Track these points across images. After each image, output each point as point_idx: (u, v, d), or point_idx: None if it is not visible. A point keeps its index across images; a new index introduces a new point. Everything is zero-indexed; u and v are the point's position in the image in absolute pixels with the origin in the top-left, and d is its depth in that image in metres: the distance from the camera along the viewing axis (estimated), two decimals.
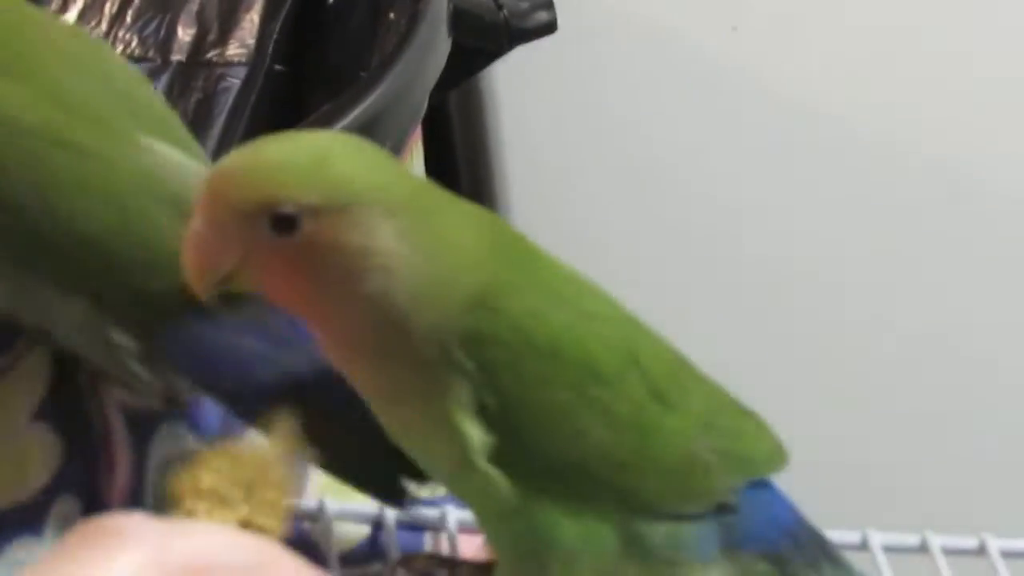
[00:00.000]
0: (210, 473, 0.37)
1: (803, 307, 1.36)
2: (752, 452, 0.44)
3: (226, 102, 1.08)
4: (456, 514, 0.51)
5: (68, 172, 0.44)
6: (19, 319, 0.47)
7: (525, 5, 1.07)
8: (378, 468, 0.46)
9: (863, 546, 0.51)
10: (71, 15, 1.12)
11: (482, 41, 1.07)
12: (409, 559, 0.49)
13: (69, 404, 0.49)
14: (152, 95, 0.49)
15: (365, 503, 0.51)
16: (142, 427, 0.50)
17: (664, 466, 0.41)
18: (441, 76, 0.97)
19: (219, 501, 0.36)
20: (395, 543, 0.50)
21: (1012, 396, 1.35)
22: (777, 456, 0.45)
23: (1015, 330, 1.34)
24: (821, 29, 1.30)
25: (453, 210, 0.40)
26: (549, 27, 1.08)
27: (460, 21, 1.01)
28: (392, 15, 1.00)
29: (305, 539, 0.51)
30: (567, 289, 0.41)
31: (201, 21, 1.12)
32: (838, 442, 1.30)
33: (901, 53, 1.29)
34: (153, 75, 1.10)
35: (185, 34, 1.12)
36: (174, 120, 0.49)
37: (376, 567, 0.52)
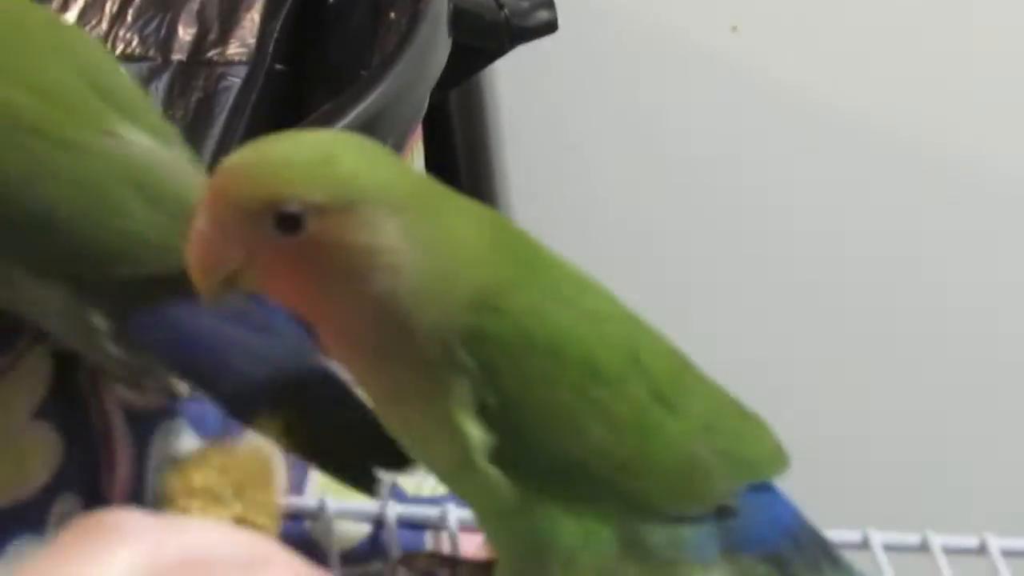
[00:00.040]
0: (202, 472, 0.37)
1: (804, 306, 1.36)
2: (753, 455, 0.44)
3: (227, 101, 1.08)
4: (457, 513, 0.51)
5: (41, 158, 0.44)
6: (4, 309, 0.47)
7: (526, 4, 1.07)
8: (352, 455, 0.46)
9: (864, 545, 0.51)
10: (71, 14, 1.12)
11: (483, 40, 1.07)
12: (410, 557, 0.49)
13: (70, 403, 0.49)
14: (126, 81, 0.49)
15: (366, 502, 0.51)
16: (142, 426, 0.50)
17: (664, 467, 0.41)
18: (442, 75, 0.97)
19: (212, 499, 0.36)
20: (396, 541, 0.50)
21: (1013, 395, 1.35)
22: (778, 459, 0.45)
23: (1016, 329, 1.34)
24: (821, 29, 1.30)
25: (456, 207, 0.40)
26: (550, 26, 1.08)
27: (461, 20, 1.01)
28: (393, 14, 1.00)
29: (306, 538, 0.51)
30: (569, 287, 0.41)
31: (202, 20, 1.12)
32: (839, 441, 1.30)
33: (901, 52, 1.29)
34: (154, 74, 1.10)
35: (186, 33, 1.12)
36: (147, 106, 0.49)
37: (377, 566, 0.52)
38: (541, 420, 0.39)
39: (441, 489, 0.52)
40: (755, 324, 1.36)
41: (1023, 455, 1.35)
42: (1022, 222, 1.32)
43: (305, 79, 1.12)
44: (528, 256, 0.41)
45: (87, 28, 1.12)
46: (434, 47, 0.95)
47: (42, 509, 0.48)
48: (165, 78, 1.10)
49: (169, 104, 1.09)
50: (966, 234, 1.33)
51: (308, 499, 0.51)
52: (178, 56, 1.11)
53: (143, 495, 0.49)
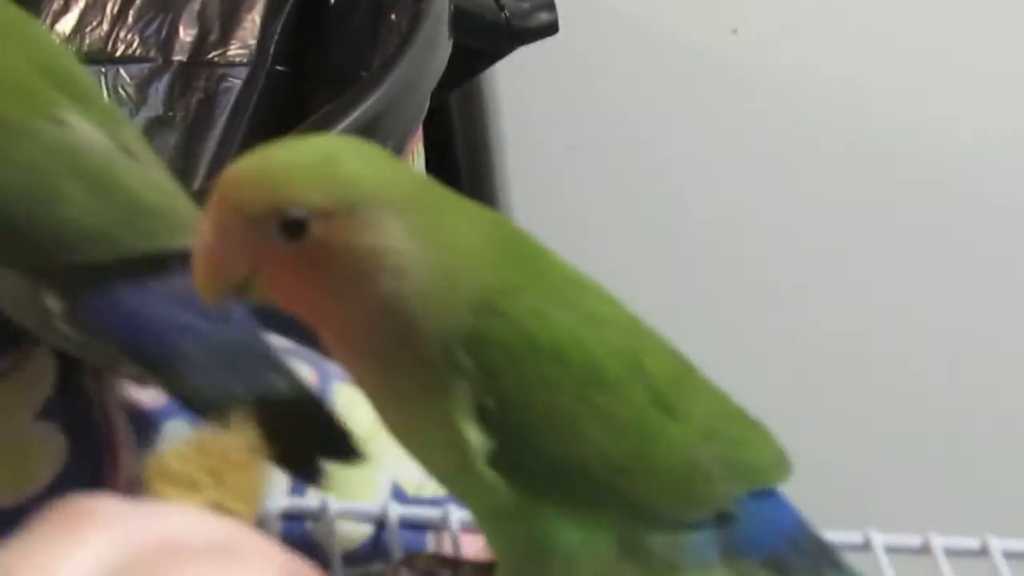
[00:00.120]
0: (178, 457, 0.37)
1: (804, 308, 1.36)
2: (754, 461, 0.44)
3: (227, 102, 1.08)
4: (459, 513, 0.51)
5: None
6: None
7: (526, 6, 1.07)
8: (298, 443, 0.45)
9: (865, 547, 0.51)
10: (73, 15, 1.13)
11: (483, 42, 1.07)
12: (412, 558, 0.49)
13: (73, 403, 0.49)
14: (77, 67, 0.48)
15: (368, 502, 0.51)
16: (146, 426, 0.50)
17: (665, 472, 0.41)
18: (442, 76, 0.97)
19: (188, 485, 0.36)
20: (398, 542, 0.50)
21: (1014, 396, 1.35)
22: (780, 466, 0.45)
23: (1017, 330, 1.34)
24: (821, 32, 1.30)
25: (458, 209, 0.40)
26: (550, 28, 1.08)
27: (461, 22, 1.01)
28: (394, 16, 1.00)
29: (308, 539, 0.51)
30: (572, 291, 0.41)
31: (203, 21, 1.12)
32: (839, 442, 1.31)
33: (900, 54, 1.29)
34: (154, 75, 1.10)
35: (187, 34, 1.12)
36: (98, 93, 0.48)
37: (379, 567, 0.52)
38: (541, 424, 0.39)
39: (443, 490, 0.52)
40: (756, 325, 1.36)
41: None
42: (1022, 222, 1.33)
43: (306, 80, 1.12)
44: (530, 258, 0.41)
45: (88, 29, 1.12)
46: (435, 48, 0.95)
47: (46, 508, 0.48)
48: (166, 79, 1.10)
49: (170, 105, 1.09)
50: (966, 233, 1.33)
51: (310, 500, 0.51)
52: (179, 57, 1.11)
53: None
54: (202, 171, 1.04)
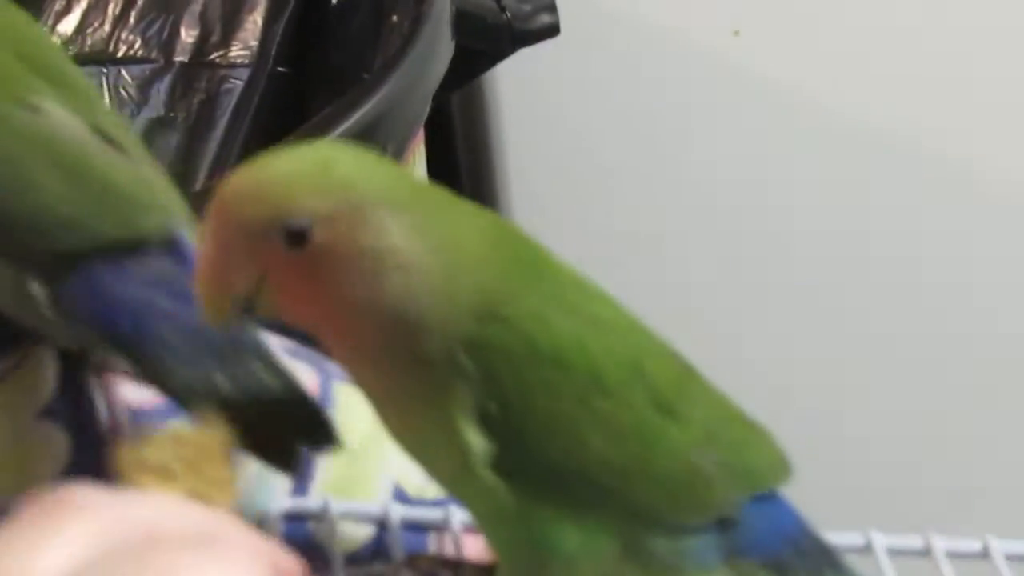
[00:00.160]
0: (154, 447, 0.37)
1: (805, 306, 1.36)
2: (755, 465, 0.44)
3: (229, 103, 1.08)
4: (460, 515, 0.51)
5: None
6: None
7: (528, 8, 1.07)
8: (275, 430, 0.45)
9: (866, 549, 0.51)
10: (74, 16, 1.13)
11: (485, 43, 1.07)
12: (414, 559, 0.49)
13: (76, 402, 0.49)
14: (55, 53, 0.48)
15: (370, 503, 0.51)
16: (146, 424, 0.50)
17: (665, 476, 0.41)
18: (443, 78, 0.97)
19: (164, 474, 0.36)
20: (400, 543, 0.50)
21: (1016, 397, 1.35)
22: (781, 469, 0.45)
23: (1020, 331, 1.34)
24: (822, 33, 1.30)
25: (457, 209, 0.40)
26: (551, 30, 1.08)
27: (463, 23, 1.01)
28: (395, 17, 1.00)
29: (309, 539, 0.51)
30: (572, 293, 0.41)
31: (204, 22, 1.12)
32: (841, 444, 1.31)
33: (901, 56, 1.29)
34: (156, 76, 1.10)
35: (188, 35, 1.12)
36: (77, 77, 0.48)
37: (380, 567, 0.52)
38: (542, 429, 0.39)
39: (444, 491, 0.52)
40: (756, 325, 1.36)
41: None
42: (1022, 222, 1.33)
43: (307, 81, 1.12)
44: (529, 259, 0.41)
45: (90, 30, 1.12)
46: (436, 50, 0.95)
47: None
48: (167, 80, 1.10)
49: (171, 106, 1.09)
50: (966, 234, 1.33)
51: (312, 501, 0.51)
52: (180, 58, 1.11)
53: None
54: (203, 172, 1.05)
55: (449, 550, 0.51)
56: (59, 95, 0.45)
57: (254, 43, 1.11)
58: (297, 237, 0.37)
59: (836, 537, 0.49)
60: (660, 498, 0.41)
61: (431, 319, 0.38)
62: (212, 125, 1.07)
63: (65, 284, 0.45)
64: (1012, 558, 0.51)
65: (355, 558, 0.51)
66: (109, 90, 1.09)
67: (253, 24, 1.11)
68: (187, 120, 1.07)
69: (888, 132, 1.31)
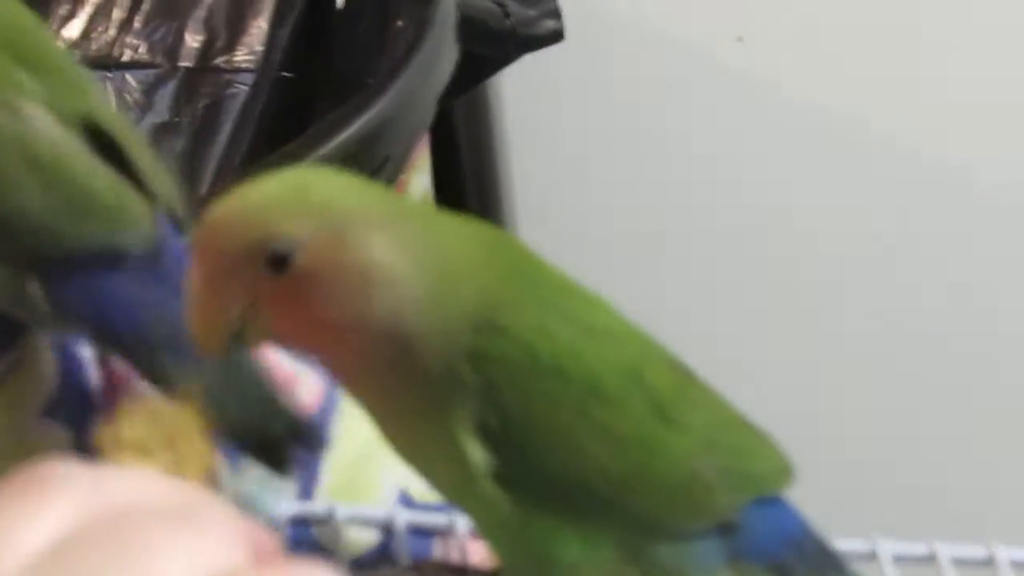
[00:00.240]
0: (130, 424, 0.37)
1: (809, 312, 1.36)
2: (756, 470, 0.44)
3: (234, 108, 1.08)
4: (465, 520, 0.51)
5: None
6: None
7: (532, 13, 1.07)
8: (267, 430, 0.45)
9: (872, 555, 0.51)
10: (79, 21, 1.13)
11: (489, 49, 1.07)
12: (419, 564, 0.49)
13: (78, 399, 0.49)
14: (45, 40, 0.48)
15: (375, 508, 0.51)
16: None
17: (665, 484, 0.41)
18: (448, 84, 0.97)
19: (140, 451, 0.36)
20: (405, 548, 0.50)
21: (1021, 401, 1.35)
22: (782, 474, 0.45)
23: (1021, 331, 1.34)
24: (826, 39, 1.30)
25: (444, 222, 0.40)
26: (556, 35, 1.08)
27: (467, 29, 1.01)
28: (400, 22, 1.00)
29: (315, 544, 0.51)
30: (568, 301, 0.41)
31: (209, 27, 1.12)
32: (846, 450, 1.30)
33: (905, 62, 1.29)
34: (161, 81, 1.10)
35: (193, 40, 1.12)
36: (66, 64, 0.47)
37: (386, 572, 0.52)
38: (542, 439, 0.39)
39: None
40: (760, 328, 1.36)
41: None
42: (1022, 222, 1.33)
43: (312, 86, 1.12)
44: (525, 268, 0.41)
45: (95, 35, 1.12)
46: (441, 55, 0.95)
47: None
48: (172, 85, 1.10)
49: (176, 111, 1.09)
50: (969, 235, 1.33)
51: (317, 505, 0.51)
52: (185, 63, 1.11)
53: None
54: (208, 177, 1.05)
55: (454, 555, 0.51)
56: (44, 85, 0.45)
57: (259, 48, 1.11)
58: (280, 262, 0.37)
59: (841, 544, 0.49)
60: (660, 505, 0.41)
61: (425, 332, 0.38)
62: (217, 130, 1.07)
63: (60, 284, 0.45)
64: (1017, 565, 0.51)
65: (360, 563, 0.51)
66: (114, 95, 1.10)
67: (258, 29, 1.11)
68: (192, 125, 1.08)
69: (890, 137, 1.32)
